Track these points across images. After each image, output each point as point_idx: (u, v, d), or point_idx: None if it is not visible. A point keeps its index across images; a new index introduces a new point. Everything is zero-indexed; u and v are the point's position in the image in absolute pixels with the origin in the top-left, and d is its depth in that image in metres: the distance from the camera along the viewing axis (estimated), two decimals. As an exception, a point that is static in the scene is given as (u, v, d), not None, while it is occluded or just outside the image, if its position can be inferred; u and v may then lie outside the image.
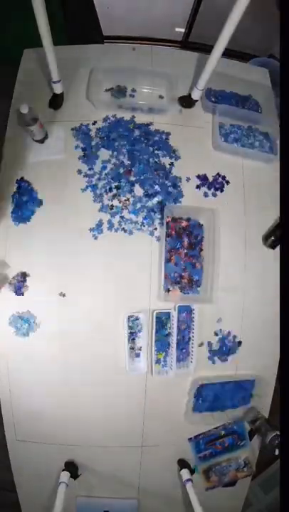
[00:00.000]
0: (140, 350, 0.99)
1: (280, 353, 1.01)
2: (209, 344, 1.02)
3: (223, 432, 1.06)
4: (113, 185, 0.99)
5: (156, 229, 1.00)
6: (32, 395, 1.01)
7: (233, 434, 1.06)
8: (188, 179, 1.03)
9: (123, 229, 0.99)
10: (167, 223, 0.97)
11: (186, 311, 0.99)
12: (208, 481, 1.07)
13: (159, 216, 0.99)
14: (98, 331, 0.99)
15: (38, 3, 0.74)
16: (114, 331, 0.98)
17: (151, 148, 1.02)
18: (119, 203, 0.99)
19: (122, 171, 1.01)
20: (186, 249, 1.00)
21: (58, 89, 1.00)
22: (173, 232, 0.99)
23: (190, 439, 1.05)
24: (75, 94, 1.07)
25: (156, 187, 1.00)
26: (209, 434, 1.06)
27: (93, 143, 1.02)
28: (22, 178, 1.01)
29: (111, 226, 0.98)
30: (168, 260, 0.98)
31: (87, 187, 1.00)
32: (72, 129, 1.04)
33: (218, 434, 1.06)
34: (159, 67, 1.10)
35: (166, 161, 1.03)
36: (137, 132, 1.03)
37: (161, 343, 0.98)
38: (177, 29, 1.96)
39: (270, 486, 1.39)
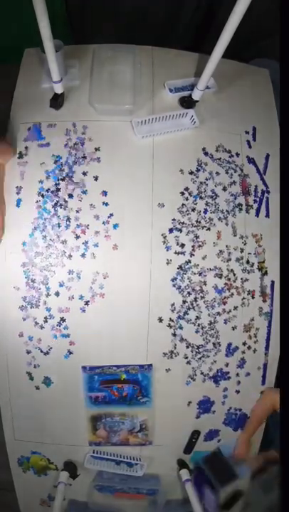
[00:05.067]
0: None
1: (280, 352, 1.02)
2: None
3: (124, 376, 0.91)
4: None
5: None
6: (31, 394, 1.01)
7: (135, 384, 0.91)
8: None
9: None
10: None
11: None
12: (94, 433, 0.93)
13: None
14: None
15: (39, 2, 0.74)
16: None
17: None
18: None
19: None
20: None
21: (58, 89, 1.00)
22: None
23: (84, 368, 0.91)
24: (76, 94, 1.07)
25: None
26: (108, 371, 0.90)
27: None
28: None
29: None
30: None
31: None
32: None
33: (118, 376, 0.91)
34: (160, 68, 1.11)
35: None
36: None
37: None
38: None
39: (270, 486, 1.39)
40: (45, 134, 1.03)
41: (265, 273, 1.04)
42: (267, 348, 1.05)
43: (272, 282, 1.05)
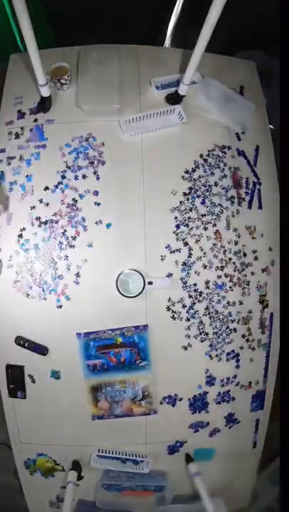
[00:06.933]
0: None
1: (279, 353, 1.03)
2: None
3: (120, 339, 0.89)
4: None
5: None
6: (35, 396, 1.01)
7: (132, 347, 0.89)
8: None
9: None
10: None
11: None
12: (96, 406, 0.90)
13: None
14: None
15: (21, 6, 0.74)
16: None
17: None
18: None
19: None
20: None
21: (44, 92, 1.01)
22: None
23: (78, 335, 0.89)
24: (64, 96, 1.07)
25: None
26: (103, 336, 0.88)
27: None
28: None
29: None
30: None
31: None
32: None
33: (113, 340, 0.89)
34: (145, 65, 1.11)
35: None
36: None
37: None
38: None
39: (278, 478, 1.38)
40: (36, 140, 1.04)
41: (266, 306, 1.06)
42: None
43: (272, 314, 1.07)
